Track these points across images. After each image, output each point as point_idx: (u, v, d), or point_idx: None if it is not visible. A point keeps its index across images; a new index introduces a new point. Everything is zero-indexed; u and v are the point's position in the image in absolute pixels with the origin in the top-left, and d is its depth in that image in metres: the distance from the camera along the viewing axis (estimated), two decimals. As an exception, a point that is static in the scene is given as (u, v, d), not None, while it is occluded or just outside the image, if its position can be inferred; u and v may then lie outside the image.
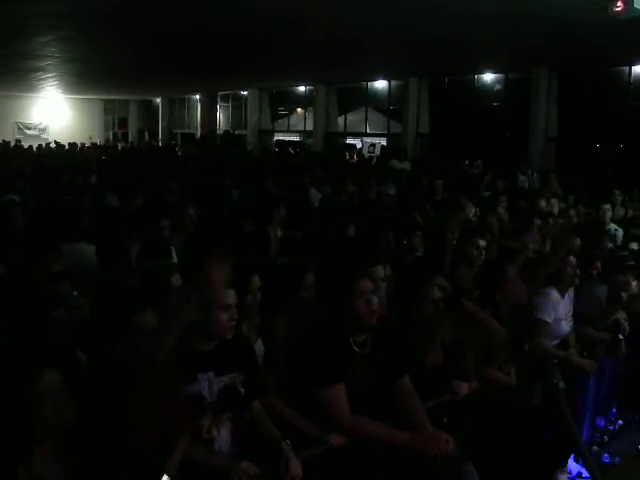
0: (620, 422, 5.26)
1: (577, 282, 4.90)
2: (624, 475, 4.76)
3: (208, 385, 2.92)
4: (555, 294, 4.79)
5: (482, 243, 5.21)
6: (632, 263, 5.57)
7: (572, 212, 8.08)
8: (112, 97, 31.74)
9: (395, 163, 14.73)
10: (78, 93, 28.89)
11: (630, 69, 14.40)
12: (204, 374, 2.91)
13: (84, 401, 2.43)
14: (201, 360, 2.93)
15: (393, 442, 3.19)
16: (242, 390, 3.03)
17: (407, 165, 14.66)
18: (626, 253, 5.88)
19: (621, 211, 8.47)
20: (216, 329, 2.94)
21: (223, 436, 2.97)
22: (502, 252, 5.48)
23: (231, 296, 2.97)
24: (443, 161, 15.04)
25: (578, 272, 4.84)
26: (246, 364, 3.10)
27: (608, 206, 8.03)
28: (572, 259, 4.88)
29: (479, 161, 14.04)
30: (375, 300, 3.31)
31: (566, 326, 4.83)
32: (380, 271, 4.08)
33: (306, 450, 3.02)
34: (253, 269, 3.77)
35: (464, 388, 3.73)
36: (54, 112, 30.87)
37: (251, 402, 3.09)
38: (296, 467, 2.86)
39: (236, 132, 26.05)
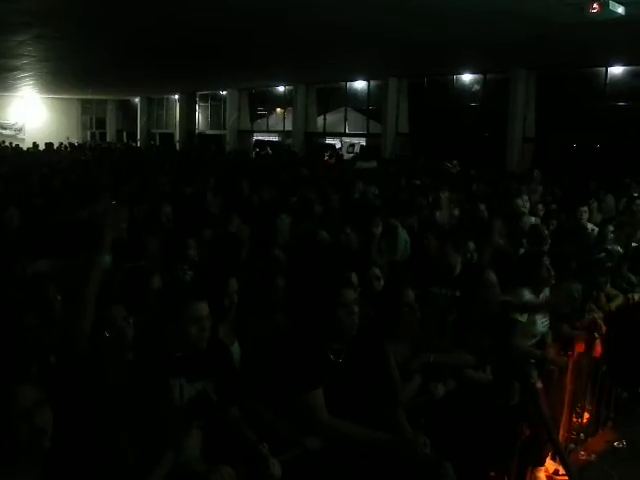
0: (596, 420, 5.31)
1: (552, 282, 4.93)
2: (600, 472, 4.80)
3: (179, 392, 2.87)
4: (528, 294, 4.81)
5: (471, 246, 5.30)
6: (610, 265, 5.67)
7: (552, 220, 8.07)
8: (89, 97, 31.50)
9: (360, 163, 14.76)
10: (55, 93, 28.65)
11: (606, 70, 14.56)
12: (176, 380, 2.87)
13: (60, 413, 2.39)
14: (174, 366, 2.89)
15: (371, 444, 3.19)
16: (215, 397, 2.99)
17: (373, 164, 14.65)
18: (604, 254, 5.96)
19: (598, 217, 8.52)
20: (187, 341, 2.91)
21: (193, 444, 2.92)
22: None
23: (202, 309, 2.95)
24: (424, 160, 15.11)
25: (552, 273, 4.87)
26: (221, 370, 3.07)
27: (585, 208, 8.09)
28: (546, 260, 4.91)
29: (455, 161, 14.10)
30: (357, 310, 3.30)
31: (541, 326, 4.85)
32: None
33: (284, 453, 3.00)
34: (230, 272, 3.76)
35: (441, 389, 3.75)
36: (31, 112, 30.56)
37: (227, 408, 3.06)
38: (275, 466, 2.83)
39: (215, 132, 25.97)
